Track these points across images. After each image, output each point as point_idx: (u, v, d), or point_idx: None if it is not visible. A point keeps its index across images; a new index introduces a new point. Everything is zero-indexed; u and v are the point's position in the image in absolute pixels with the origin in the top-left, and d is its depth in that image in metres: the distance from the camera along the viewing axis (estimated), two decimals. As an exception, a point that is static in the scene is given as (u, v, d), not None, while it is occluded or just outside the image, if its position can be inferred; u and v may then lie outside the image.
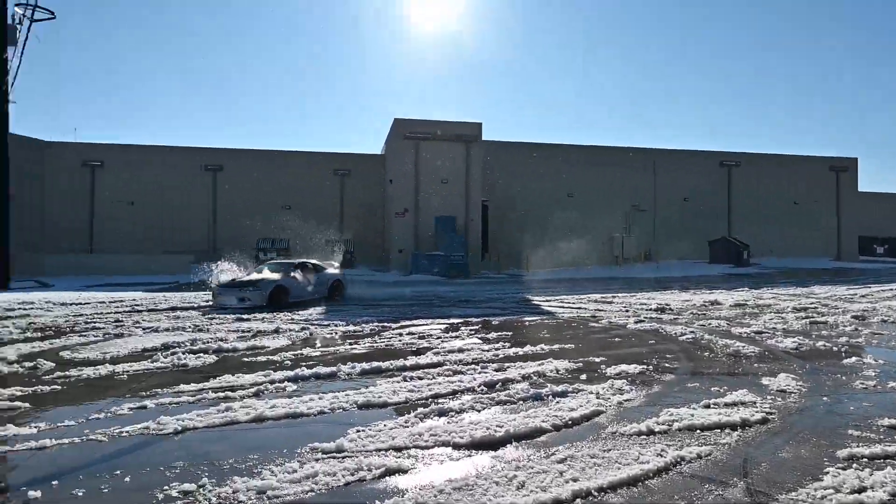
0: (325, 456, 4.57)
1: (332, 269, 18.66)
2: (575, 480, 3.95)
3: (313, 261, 18.50)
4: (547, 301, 17.46)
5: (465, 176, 33.76)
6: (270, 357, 8.63)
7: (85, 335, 10.73)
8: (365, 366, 7.77)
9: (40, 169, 34.86)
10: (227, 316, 13.52)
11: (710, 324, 11.87)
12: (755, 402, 5.92)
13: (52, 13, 20.55)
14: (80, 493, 3.91)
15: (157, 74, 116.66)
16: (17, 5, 19.99)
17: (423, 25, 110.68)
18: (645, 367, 7.76)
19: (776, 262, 39.04)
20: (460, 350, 9.00)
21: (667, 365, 7.96)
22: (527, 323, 12.58)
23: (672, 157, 42.21)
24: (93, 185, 36.40)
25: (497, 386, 6.75)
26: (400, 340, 10.07)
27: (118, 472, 4.29)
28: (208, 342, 9.67)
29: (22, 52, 22.70)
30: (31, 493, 3.89)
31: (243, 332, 11.06)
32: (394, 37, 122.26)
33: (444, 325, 11.85)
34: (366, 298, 18.15)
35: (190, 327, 11.65)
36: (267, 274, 16.48)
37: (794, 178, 43.83)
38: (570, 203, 39.16)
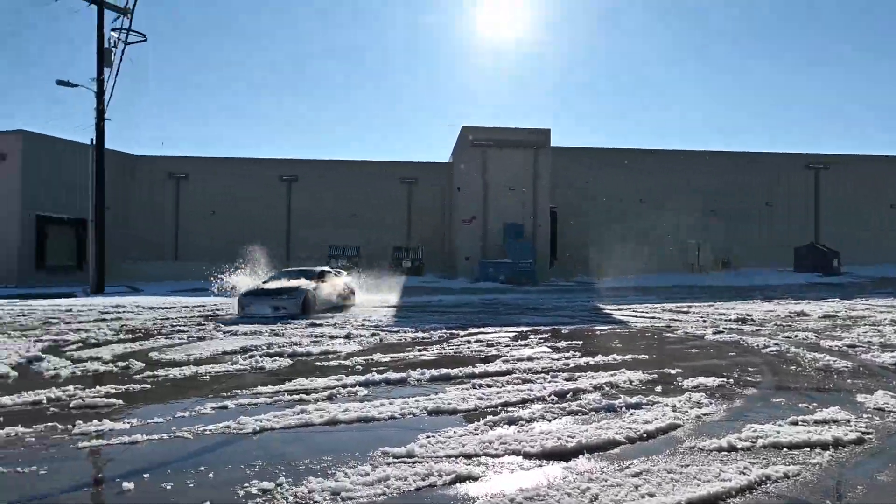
0: (396, 460, 4.62)
1: (344, 276, 18.72)
2: (651, 496, 3.81)
3: (327, 268, 18.60)
4: (618, 310, 17.02)
5: (533, 182, 33.54)
6: (342, 362, 8.84)
7: (171, 337, 11.35)
8: (434, 372, 7.82)
9: (131, 181, 37.29)
10: (300, 321, 13.95)
11: (796, 336, 11.21)
12: (849, 421, 5.53)
13: (144, 36, 21.99)
14: (168, 487, 4.13)
15: (236, 90, 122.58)
16: (113, 30, 21.53)
17: (491, 32, 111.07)
18: (725, 380, 7.42)
19: (870, 271, 36.44)
20: (529, 358, 8.91)
21: (749, 378, 7.57)
22: (598, 332, 12.30)
23: (753, 159, 40.33)
24: (177, 196, 38.62)
25: (568, 396, 6.63)
26: (468, 348, 10.08)
27: (202, 468, 4.50)
28: (283, 346, 10.01)
29: (117, 73, 24.43)
30: (126, 485, 4.14)
31: (316, 336, 11.38)
32: (461, 44, 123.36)
33: (513, 333, 11.76)
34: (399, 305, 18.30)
35: (266, 331, 12.11)
36: (292, 282, 16.09)
37: (890, 180, 40.85)
38: (642, 209, 38.14)
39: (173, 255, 37.86)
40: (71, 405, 6.30)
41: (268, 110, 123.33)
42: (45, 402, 6.43)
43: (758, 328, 12.39)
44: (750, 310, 16.01)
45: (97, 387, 7.12)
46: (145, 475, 4.35)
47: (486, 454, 4.71)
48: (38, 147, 32.25)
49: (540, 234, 33.23)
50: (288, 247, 38.25)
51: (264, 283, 16.84)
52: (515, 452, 4.74)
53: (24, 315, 15.40)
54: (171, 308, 17.31)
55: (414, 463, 4.56)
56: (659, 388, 7.00)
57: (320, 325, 13.20)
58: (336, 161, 39.70)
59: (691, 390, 6.86)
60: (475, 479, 4.24)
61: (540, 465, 4.50)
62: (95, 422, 5.61)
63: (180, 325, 13.22)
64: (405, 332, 12.09)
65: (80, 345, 10.44)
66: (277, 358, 9.09)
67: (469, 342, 10.64)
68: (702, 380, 7.31)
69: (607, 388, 6.99)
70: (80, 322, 14.00)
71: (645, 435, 5.16)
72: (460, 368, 8.05)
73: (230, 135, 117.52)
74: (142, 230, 37.28)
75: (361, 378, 7.50)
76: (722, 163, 39.33)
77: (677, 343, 10.71)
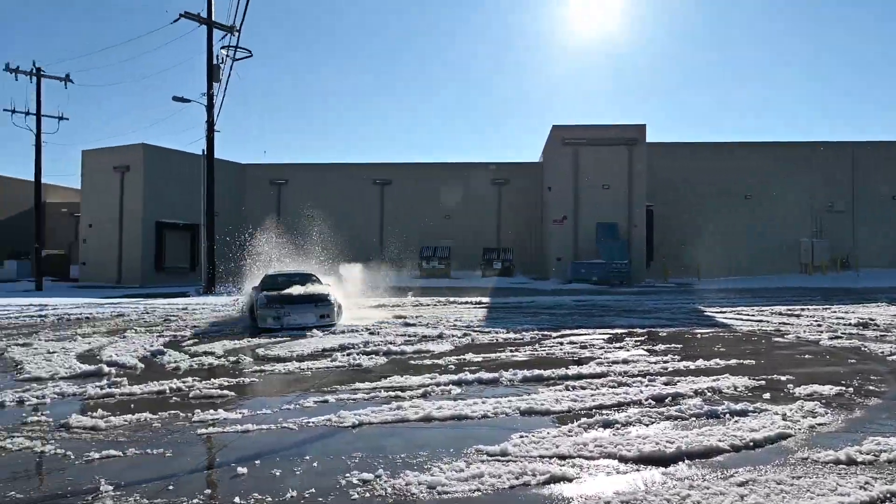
0: (489, 458, 4.67)
1: (322, 284, 15.02)
2: (759, 506, 3.62)
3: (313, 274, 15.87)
4: (721, 312, 16.17)
5: (628, 180, 32.48)
6: (436, 361, 9.00)
7: (275, 335, 12.02)
8: (526, 373, 7.80)
9: (239, 188, 39.80)
10: (395, 321, 14.31)
11: (927, 342, 10.17)
12: None
13: (250, 52, 23.42)
14: (277, 473, 4.40)
15: (333, 97, 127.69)
16: (222, 48, 23.10)
17: (581, 28, 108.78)
18: (843, 388, 6.87)
19: None
20: (625, 361, 8.67)
21: (871, 388, 6.98)
22: (698, 335, 11.76)
23: (877, 150, 36.87)
24: (279, 201, 40.76)
25: (666, 400, 6.40)
26: (561, 349, 9.96)
27: (307, 457, 4.76)
28: (379, 345, 10.33)
29: (225, 88, 26.21)
30: (240, 469, 4.46)
31: (410, 336, 11.66)
32: (551, 42, 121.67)
33: (607, 336, 11.49)
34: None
35: (362, 330, 12.54)
36: (302, 288, 13.88)
37: None
38: (747, 205, 35.94)
39: (276, 257, 40.03)
40: (190, 395, 6.85)
41: (362, 116, 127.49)
42: (167, 391, 7.04)
43: (882, 334, 11.35)
44: (873, 314, 14.69)
45: (212, 379, 7.70)
46: (256, 462, 4.66)
47: (580, 456, 4.66)
48: (156, 158, 35.20)
49: (635, 233, 32.14)
50: (381, 248, 39.38)
51: (270, 287, 14.09)
52: (611, 456, 4.65)
53: (147, 313, 16.86)
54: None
55: (507, 461, 4.59)
56: (767, 395, 6.60)
57: (413, 325, 13.50)
58: (427, 164, 40.44)
59: (804, 398, 6.42)
60: (570, 480, 4.20)
61: (637, 470, 4.39)
62: (211, 411, 6.07)
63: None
64: (496, 332, 12.12)
65: (196, 340, 11.30)
66: (374, 356, 9.40)
67: (562, 344, 10.51)
68: (816, 388, 6.82)
69: (709, 394, 6.68)
70: (194, 319, 15.14)
71: (751, 443, 4.90)
72: (553, 370, 7.97)
73: (327, 141, 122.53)
74: (249, 234, 39.71)
75: (454, 377, 7.61)
76: (839, 154, 36.25)
77: (788, 348, 10.03)
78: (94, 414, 5.94)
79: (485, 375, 7.67)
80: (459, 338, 11.35)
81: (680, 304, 18.70)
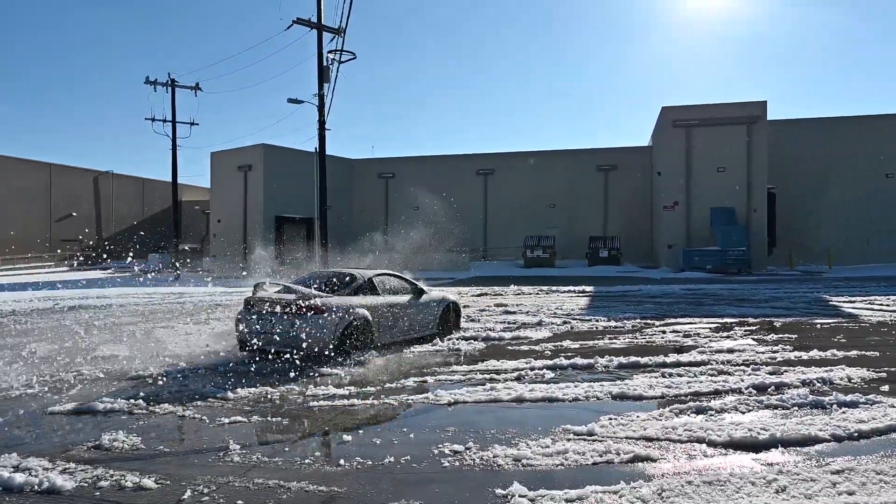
0: (576, 437, 4.83)
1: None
2: (850, 493, 3.53)
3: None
4: (849, 301, 14.94)
5: (747, 161, 30.42)
6: (532, 347, 9.19)
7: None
8: (623, 360, 7.79)
9: (349, 182, 41.78)
10: (496, 309, 14.58)
11: None
12: None
13: (354, 54, 24.67)
14: (377, 441, 4.85)
15: (434, 90, 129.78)
16: (329, 52, 24.50)
17: (688, 6, 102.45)
18: (978, 382, 6.28)
19: None
20: (730, 350, 8.39)
21: None
22: (818, 325, 11.02)
23: None
24: (386, 194, 42.31)
25: (769, 389, 6.20)
26: (662, 338, 9.77)
27: (404, 429, 5.17)
28: (478, 331, 10.65)
29: (333, 88, 27.66)
30: (345, 437, 4.96)
31: (509, 323, 11.89)
32: (657, 19, 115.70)
33: (715, 325, 11.08)
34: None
35: (462, 316, 12.90)
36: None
37: None
38: (888, 185, 32.50)
39: (384, 247, 41.68)
40: (308, 372, 7.53)
41: (465, 106, 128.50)
42: (288, 367, 7.77)
43: None
44: None
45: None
46: (360, 431, 5.14)
47: (667, 439, 4.70)
48: (274, 157, 37.80)
49: (755, 217, 30.07)
50: (485, 238, 39.80)
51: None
52: (699, 440, 4.65)
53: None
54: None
55: (593, 441, 4.73)
56: (885, 388, 6.19)
57: (514, 312, 13.70)
58: (530, 152, 40.23)
59: (928, 392, 5.95)
60: (653, 460, 4.28)
61: (724, 454, 4.37)
62: (322, 387, 6.68)
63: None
64: (597, 320, 12.05)
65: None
66: (472, 341, 9.74)
67: (664, 332, 10.29)
68: (945, 381, 6.29)
69: (818, 385, 6.37)
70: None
71: (856, 434, 4.69)
72: (650, 357, 7.90)
73: (431, 133, 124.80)
74: (359, 226, 41.64)
75: (549, 362, 7.77)
76: None
77: (921, 340, 9.20)
78: (224, 386, 6.74)
79: (580, 361, 7.76)
80: (559, 325, 11.43)
81: (802, 294, 17.45)
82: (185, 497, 3.82)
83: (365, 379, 7.18)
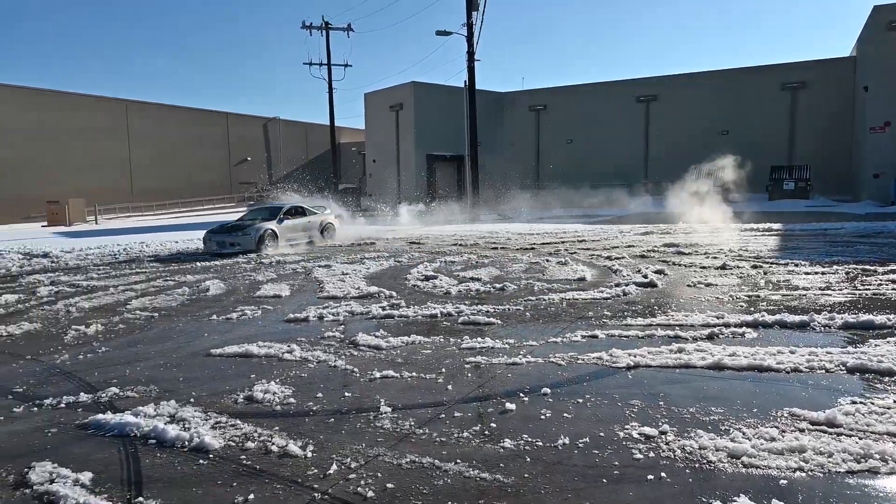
0: (811, 428, 3.67)
1: (323, 213, 17.67)
2: None
3: (298, 205, 17.37)
4: None
5: None
6: (718, 295, 7.80)
7: (548, 259, 11.81)
8: (848, 318, 6.21)
9: (499, 117, 40.53)
10: (667, 250, 13.02)
11: None
12: None
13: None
14: (547, 414, 4.05)
15: (586, 14, 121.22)
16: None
17: None
18: None
19: None
20: None
21: None
22: None
23: None
24: (538, 127, 40.52)
25: None
26: (892, 288, 7.83)
27: (577, 399, 4.33)
28: (649, 276, 9.37)
29: (482, 17, 26.29)
30: (508, 405, 4.23)
31: (685, 266, 10.42)
32: None
33: (963, 272, 8.74)
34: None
35: (629, 258, 11.62)
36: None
37: None
38: None
39: (535, 184, 40.27)
40: (459, 321, 6.95)
41: (619, 31, 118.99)
42: (438, 315, 7.25)
43: None
44: None
45: (478, 306, 7.75)
46: (525, 398, 4.39)
47: (957, 442, 3.37)
48: (424, 94, 37.53)
49: None
50: (646, 170, 36.76)
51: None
52: None
53: (418, 242, 18.21)
54: (537, 234, 18.31)
55: (839, 435, 3.54)
56: None
57: (688, 253, 12.10)
58: (700, 73, 35.86)
59: None
60: (947, 476, 3.03)
61: None
62: (479, 339, 6.02)
63: (548, 250, 13.72)
64: (795, 264, 10.14)
65: (463, 266, 11.69)
66: (645, 287, 8.55)
67: (894, 282, 8.28)
68: None
69: None
70: (458, 247, 15.84)
71: None
72: (888, 315, 6.22)
73: (586, 61, 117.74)
74: (508, 162, 40.57)
75: (748, 317, 6.42)
76: None
77: None
78: (377, 334, 6.34)
79: (788, 318, 6.31)
80: (748, 270, 9.75)
81: None
82: (331, 472, 3.34)
83: (525, 329, 6.41)
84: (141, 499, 3.13)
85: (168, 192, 40.46)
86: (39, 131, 34.39)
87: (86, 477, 3.34)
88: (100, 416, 4.23)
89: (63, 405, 4.57)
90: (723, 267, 10.02)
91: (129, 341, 6.58)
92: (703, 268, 10.17)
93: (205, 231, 15.68)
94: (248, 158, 47.76)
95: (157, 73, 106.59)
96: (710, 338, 5.79)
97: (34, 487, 3.26)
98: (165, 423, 4.04)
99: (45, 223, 31.27)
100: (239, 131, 47.09)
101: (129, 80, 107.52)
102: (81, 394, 4.80)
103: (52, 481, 3.31)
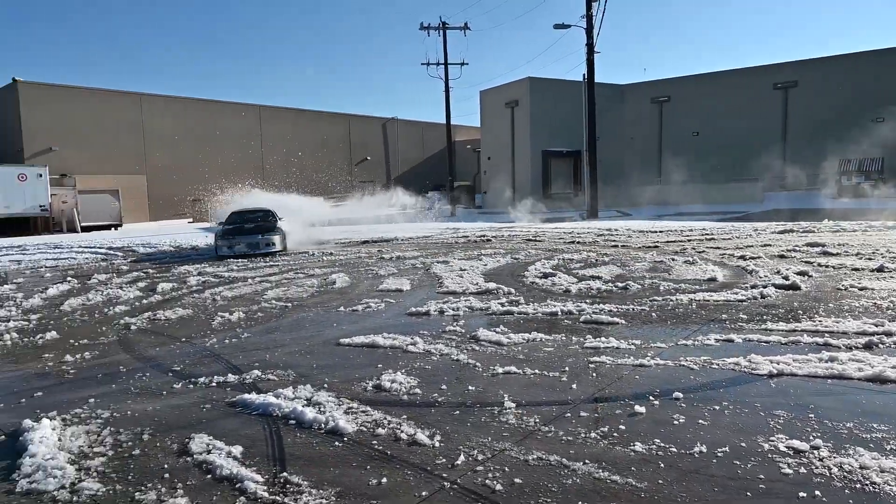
0: None
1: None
2: None
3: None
4: None
5: None
6: (876, 301, 7.01)
7: (662, 261, 11.25)
8: None
9: (619, 111, 39.13)
10: (810, 249, 11.92)
11: None
12: None
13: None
14: (680, 420, 3.85)
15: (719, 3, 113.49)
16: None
17: None
18: None
19: None
20: None
21: None
22: None
23: None
24: (661, 120, 38.64)
25: None
26: None
27: (713, 406, 4.07)
28: (789, 277, 8.61)
29: (604, 9, 25.46)
30: (637, 408, 4.06)
31: (827, 267, 9.48)
32: None
33: None
34: None
35: (766, 258, 10.75)
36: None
37: None
38: None
39: (657, 179, 38.44)
40: (580, 319, 6.79)
41: (758, 14, 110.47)
42: (558, 313, 7.12)
43: None
44: None
45: (600, 304, 7.52)
46: (654, 402, 4.19)
47: None
48: (540, 90, 37.02)
49: None
50: (784, 161, 33.86)
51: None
52: None
53: (535, 239, 18.02)
54: (660, 232, 17.47)
55: None
56: None
57: (834, 253, 10.98)
58: (848, 55, 32.43)
59: None
60: None
61: None
62: (602, 338, 5.84)
63: (673, 249, 13.05)
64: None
65: (582, 264, 11.40)
66: (782, 290, 7.88)
67: None
68: None
69: None
70: (576, 244, 15.46)
71: None
72: None
73: (714, 49, 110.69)
74: (627, 156, 39.03)
75: (911, 325, 5.71)
76: None
77: None
78: (497, 329, 6.35)
79: (965, 327, 5.53)
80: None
81: None
82: (459, 462, 3.39)
83: (652, 330, 6.14)
84: (285, 474, 3.35)
85: (296, 191, 43.21)
86: (185, 136, 38.03)
87: (237, 450, 3.64)
88: (246, 395, 4.59)
89: (214, 384, 5.01)
90: (880, 269, 9.00)
91: (266, 328, 7.10)
92: (856, 269, 9.20)
93: (217, 232, 16.13)
94: (368, 158, 49.75)
95: (283, 77, 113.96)
96: (867, 347, 5.21)
97: (194, 456, 3.61)
98: (303, 406, 4.30)
99: (191, 220, 34.57)
100: (359, 132, 49.18)
101: (259, 86, 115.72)
102: (229, 374, 5.24)
103: (209, 452, 3.64)
